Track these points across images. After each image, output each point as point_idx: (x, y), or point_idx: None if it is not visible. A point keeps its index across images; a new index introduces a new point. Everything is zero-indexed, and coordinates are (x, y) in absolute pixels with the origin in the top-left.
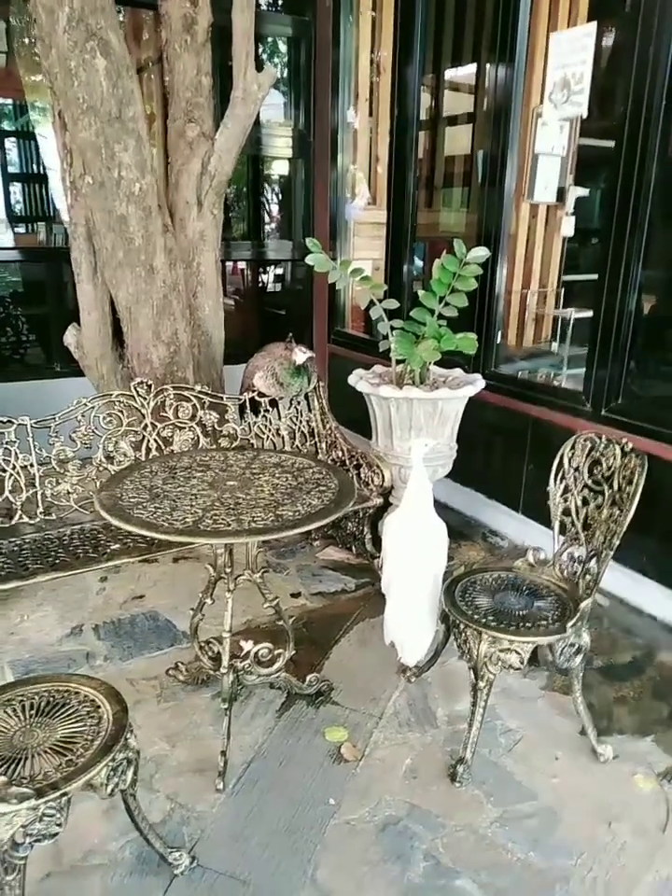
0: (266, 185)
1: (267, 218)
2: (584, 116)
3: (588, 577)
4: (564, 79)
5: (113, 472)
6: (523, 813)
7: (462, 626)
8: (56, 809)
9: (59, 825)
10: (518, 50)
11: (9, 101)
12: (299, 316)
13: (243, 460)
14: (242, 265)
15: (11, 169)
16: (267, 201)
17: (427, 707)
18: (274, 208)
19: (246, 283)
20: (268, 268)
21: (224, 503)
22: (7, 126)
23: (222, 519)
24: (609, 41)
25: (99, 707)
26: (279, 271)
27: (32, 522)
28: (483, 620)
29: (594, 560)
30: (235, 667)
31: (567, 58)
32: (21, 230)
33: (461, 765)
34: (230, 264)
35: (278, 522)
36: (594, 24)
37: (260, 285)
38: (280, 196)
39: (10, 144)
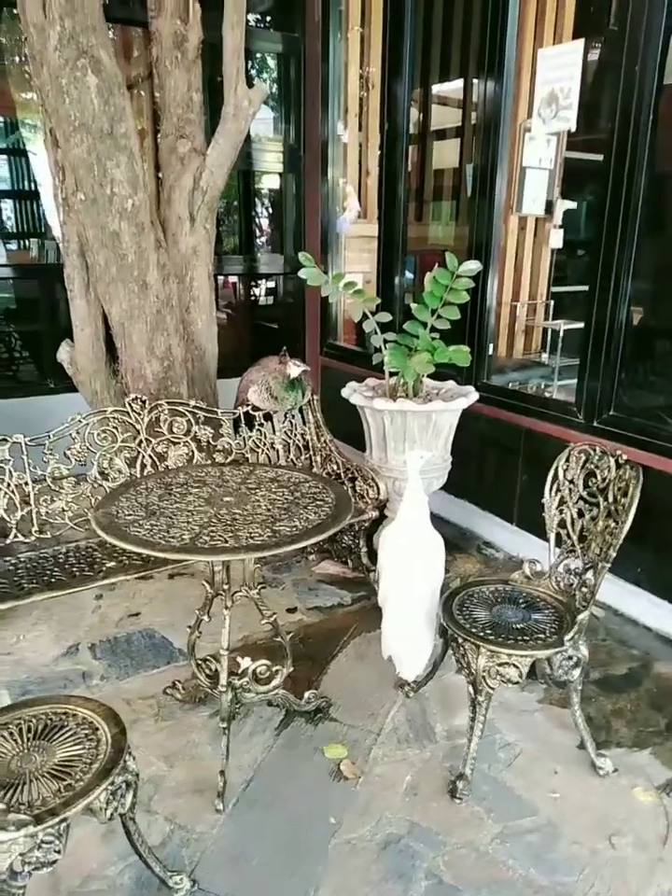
0: (257, 199)
1: (258, 233)
2: (572, 130)
3: (584, 589)
4: (552, 94)
5: (108, 489)
6: (523, 828)
7: (460, 640)
8: (55, 836)
9: (57, 852)
10: (506, 66)
11: (1, 119)
12: (291, 329)
13: (239, 475)
14: (234, 279)
15: (2, 186)
16: (258, 215)
17: (426, 723)
18: (266, 222)
19: (239, 297)
20: (260, 282)
21: (221, 519)
22: None
23: (219, 536)
24: (595, 56)
25: (97, 729)
26: (271, 284)
27: (27, 540)
28: (481, 633)
29: (590, 572)
30: (233, 685)
31: (555, 73)
32: (13, 246)
33: (461, 781)
34: (222, 278)
35: (276, 538)
36: (581, 41)
37: (253, 298)
38: (271, 210)
39: (1, 161)
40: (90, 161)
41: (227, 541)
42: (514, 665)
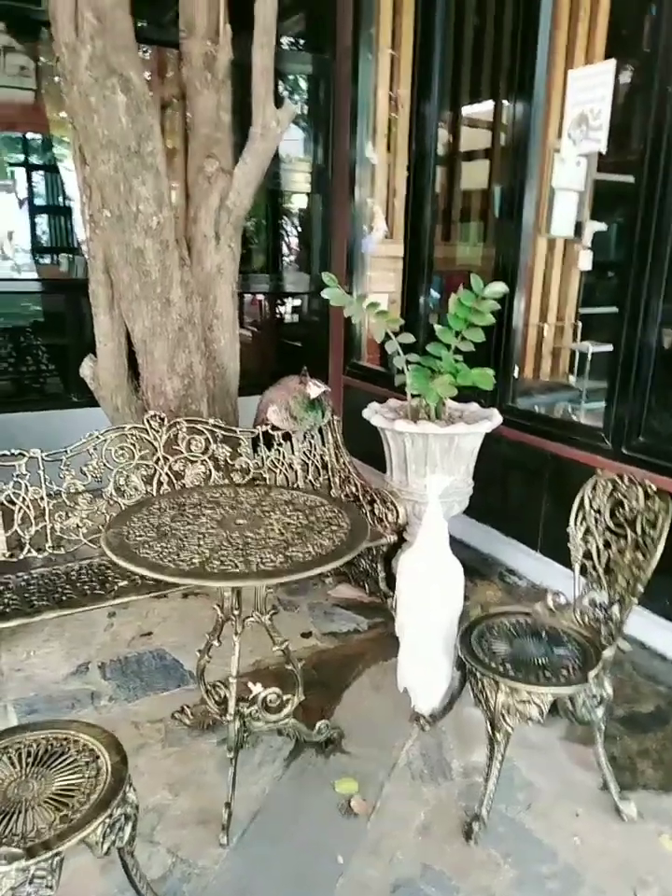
0: (285, 218)
1: (285, 251)
2: (603, 152)
3: (611, 624)
4: (582, 116)
5: (123, 506)
6: (541, 875)
7: (478, 675)
8: (47, 871)
9: (50, 888)
10: (536, 87)
11: (39, 136)
12: (315, 349)
13: (253, 497)
14: (260, 297)
15: (38, 201)
16: (286, 234)
17: (442, 758)
18: (293, 241)
19: (264, 315)
20: (286, 300)
21: (233, 543)
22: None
23: (230, 560)
24: (626, 78)
25: (98, 757)
26: (296, 303)
27: (40, 556)
28: (501, 668)
29: (616, 606)
30: (242, 713)
31: (586, 95)
32: (46, 260)
33: (476, 823)
34: (248, 296)
35: (288, 563)
36: (612, 62)
37: (278, 317)
38: (299, 230)
39: (37, 177)
40: (116, 178)
41: (237, 567)
42: (535, 703)
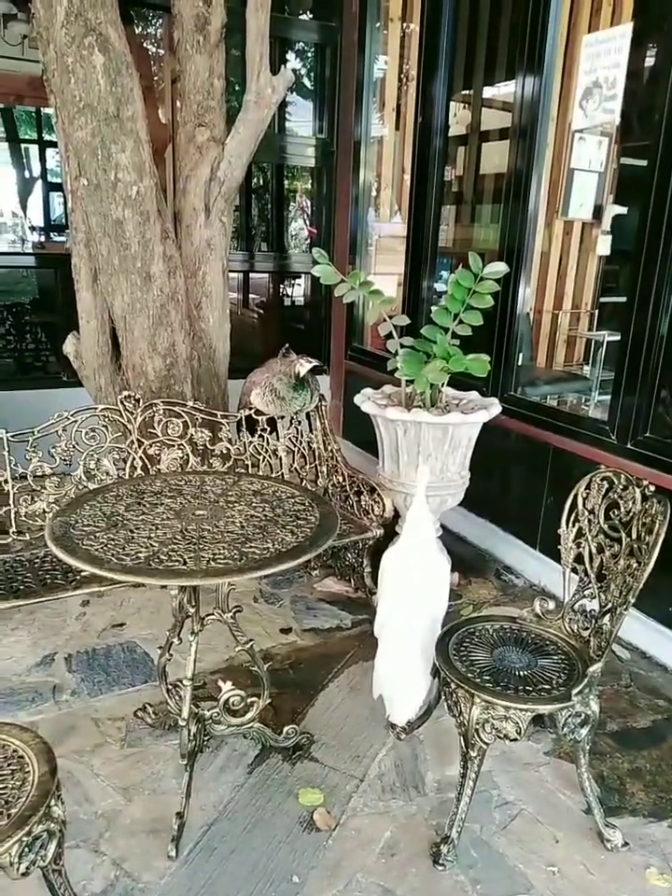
0: (290, 196)
1: (291, 230)
2: (617, 123)
3: (600, 635)
4: (595, 84)
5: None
6: None
7: (452, 686)
8: None
9: None
10: (545, 61)
11: (50, 111)
12: (317, 330)
13: (220, 486)
14: (262, 277)
15: (35, 175)
16: (289, 212)
17: (416, 770)
18: (296, 220)
19: (267, 295)
20: (289, 280)
21: (187, 536)
22: (46, 136)
23: (179, 555)
24: (653, 54)
25: (26, 766)
26: (299, 283)
27: (3, 542)
28: (478, 680)
29: (608, 617)
30: (201, 716)
31: (599, 61)
32: (61, 238)
33: (446, 845)
34: (249, 275)
35: (242, 561)
36: (628, 25)
37: (280, 297)
38: (304, 207)
39: (50, 153)
40: (94, 144)
41: (185, 563)
42: (512, 720)
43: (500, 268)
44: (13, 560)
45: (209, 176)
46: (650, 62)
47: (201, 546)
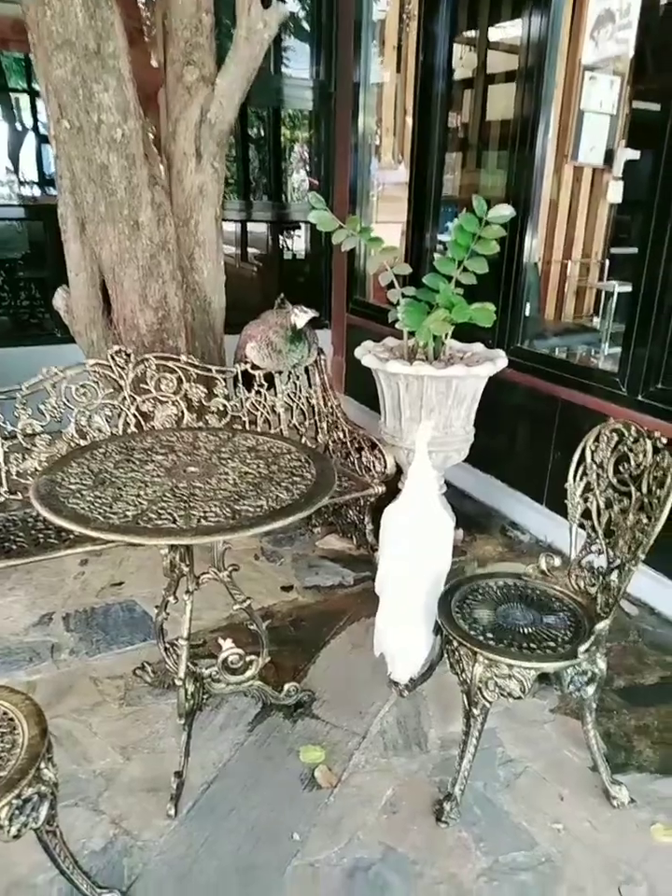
0: (289, 145)
1: (292, 181)
2: (631, 58)
3: (608, 592)
4: (608, 12)
5: None
6: (517, 865)
7: (455, 644)
8: None
9: None
10: None
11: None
12: (317, 282)
13: (213, 443)
14: (261, 229)
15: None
16: (289, 161)
17: (419, 727)
18: (298, 171)
19: (266, 247)
20: (288, 232)
21: (177, 494)
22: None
23: (168, 514)
24: None
25: (16, 728)
26: (299, 234)
27: None
28: (481, 638)
29: (615, 573)
30: (199, 675)
31: None
32: (53, 191)
33: (449, 802)
34: (247, 225)
35: (234, 519)
36: None
37: (280, 249)
38: (304, 160)
39: (40, 104)
40: (74, 83)
41: (175, 521)
42: (516, 678)
43: (506, 211)
44: (6, 520)
45: (199, 118)
46: None
47: (191, 504)
